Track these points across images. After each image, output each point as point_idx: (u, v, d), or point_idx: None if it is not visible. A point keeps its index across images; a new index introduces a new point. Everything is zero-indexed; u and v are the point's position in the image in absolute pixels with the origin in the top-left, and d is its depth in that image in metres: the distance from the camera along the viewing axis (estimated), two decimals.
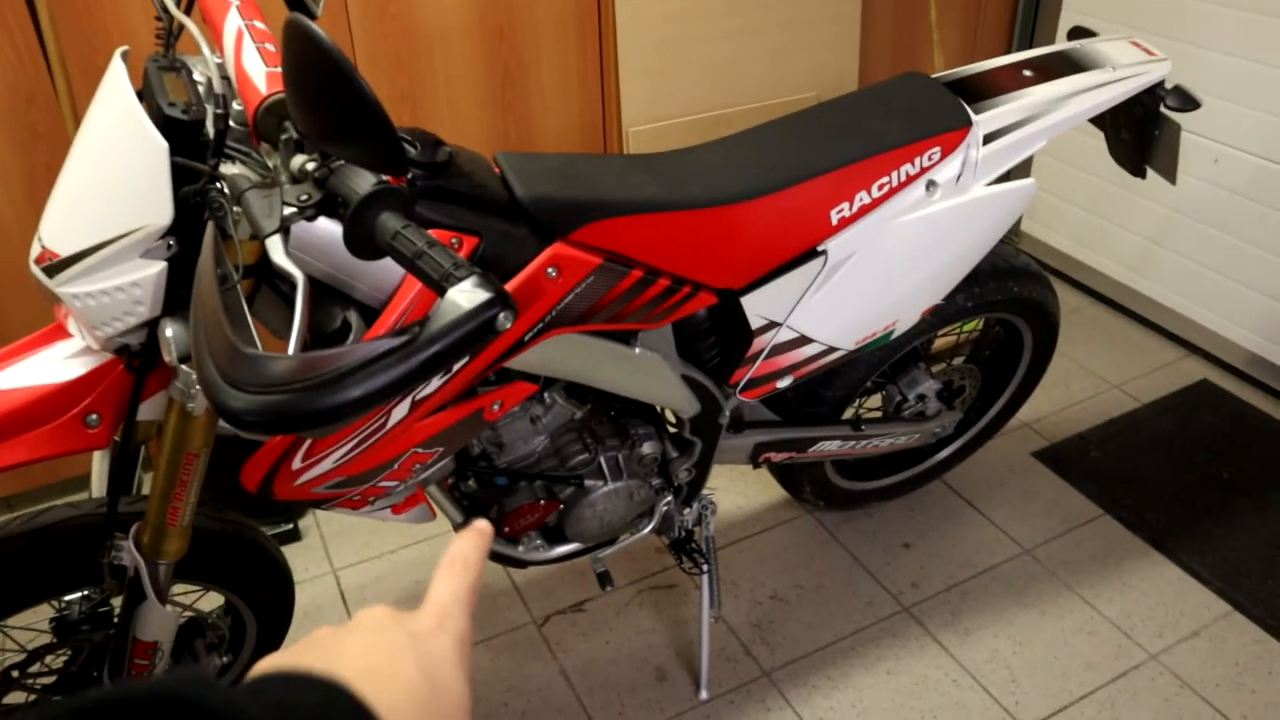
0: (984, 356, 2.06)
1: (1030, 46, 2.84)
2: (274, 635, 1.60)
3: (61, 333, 1.16)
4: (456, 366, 1.16)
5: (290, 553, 2.06)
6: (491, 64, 2.12)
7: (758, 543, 2.09)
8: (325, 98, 0.82)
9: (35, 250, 1.08)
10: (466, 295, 0.75)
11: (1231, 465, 2.24)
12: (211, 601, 1.58)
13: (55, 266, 1.05)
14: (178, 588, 1.38)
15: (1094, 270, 2.83)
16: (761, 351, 1.49)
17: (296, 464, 1.21)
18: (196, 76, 1.10)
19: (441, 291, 0.76)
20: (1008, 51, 2.88)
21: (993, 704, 1.74)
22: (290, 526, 2.10)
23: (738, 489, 2.22)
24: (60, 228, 1.06)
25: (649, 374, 1.40)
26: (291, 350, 0.87)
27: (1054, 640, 1.86)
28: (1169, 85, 1.61)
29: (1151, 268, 2.67)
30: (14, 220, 1.82)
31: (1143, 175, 1.72)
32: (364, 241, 0.85)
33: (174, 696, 0.35)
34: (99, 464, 1.47)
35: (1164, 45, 2.45)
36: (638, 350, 1.37)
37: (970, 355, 2.05)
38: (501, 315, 0.75)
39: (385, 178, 0.88)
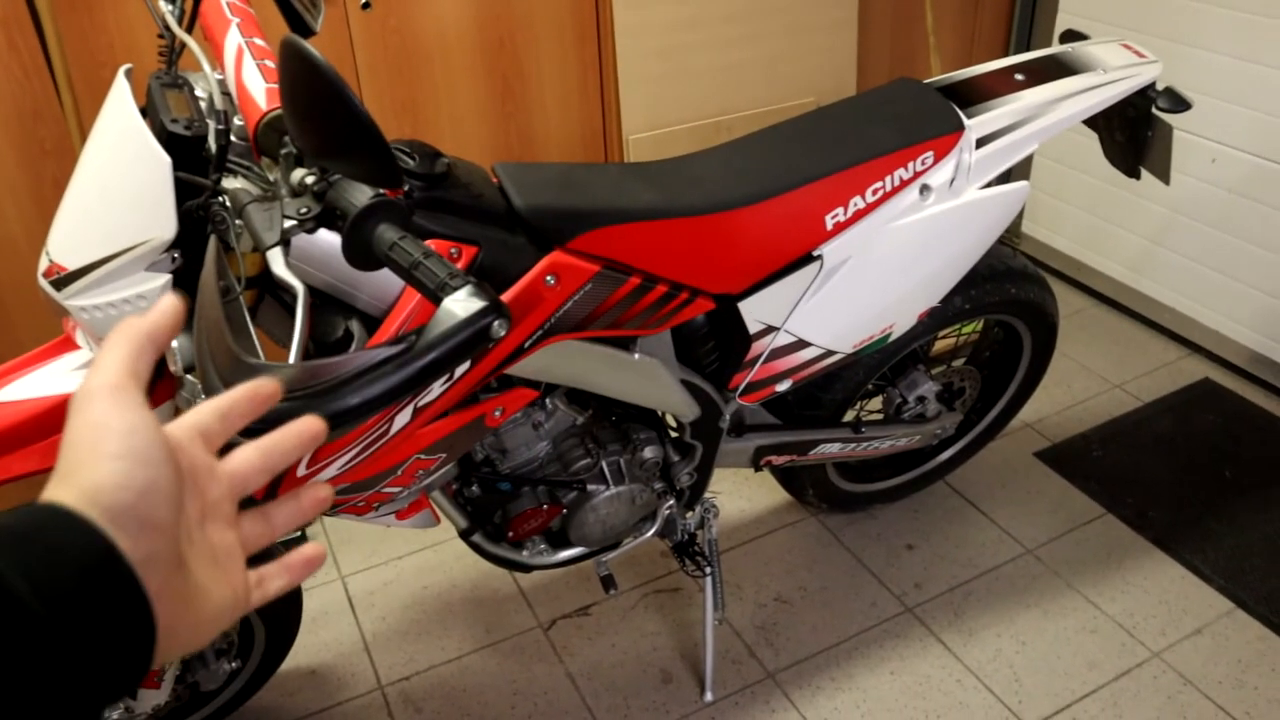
0: (984, 358, 2.08)
1: (1027, 50, 2.86)
2: (282, 641, 1.62)
3: (70, 345, 1.19)
4: (457, 373, 1.18)
5: None
6: (491, 74, 2.14)
7: (761, 545, 2.10)
8: (320, 116, 0.85)
9: (43, 264, 1.10)
10: (461, 304, 0.77)
11: (1233, 463, 2.25)
12: None
13: (63, 280, 1.08)
14: None
15: (1095, 271, 2.84)
16: (760, 356, 1.50)
17: (301, 471, 1.23)
18: (198, 93, 1.12)
19: (437, 301, 0.78)
20: (1005, 56, 2.89)
21: (996, 703, 1.75)
22: (298, 534, 2.13)
23: (740, 492, 2.24)
24: (67, 242, 1.08)
25: (649, 379, 1.42)
26: (292, 359, 0.89)
27: (1057, 639, 1.87)
28: (1160, 87, 1.62)
29: (1152, 267, 2.68)
30: (23, 234, 1.85)
31: (1137, 176, 1.73)
32: (362, 253, 0.87)
33: None
34: None
35: (1160, 46, 2.46)
36: (637, 356, 1.38)
37: (970, 357, 2.06)
38: (496, 323, 0.77)
39: (383, 190, 0.90)
